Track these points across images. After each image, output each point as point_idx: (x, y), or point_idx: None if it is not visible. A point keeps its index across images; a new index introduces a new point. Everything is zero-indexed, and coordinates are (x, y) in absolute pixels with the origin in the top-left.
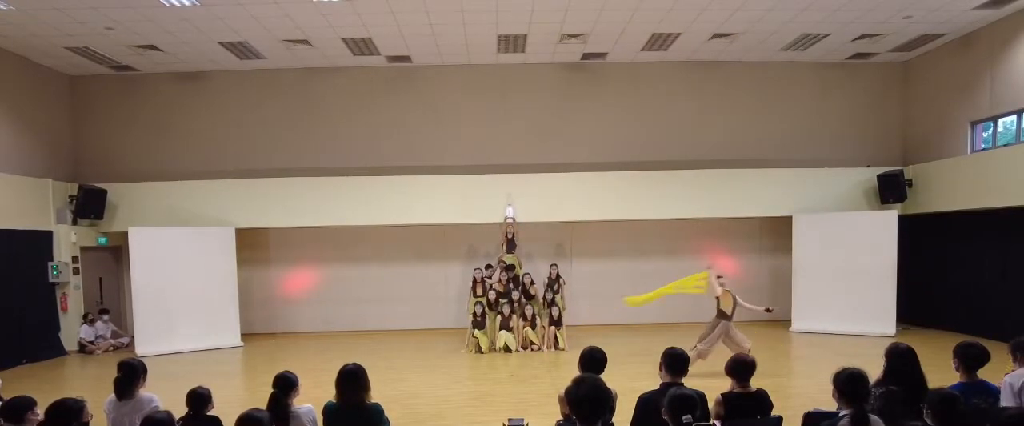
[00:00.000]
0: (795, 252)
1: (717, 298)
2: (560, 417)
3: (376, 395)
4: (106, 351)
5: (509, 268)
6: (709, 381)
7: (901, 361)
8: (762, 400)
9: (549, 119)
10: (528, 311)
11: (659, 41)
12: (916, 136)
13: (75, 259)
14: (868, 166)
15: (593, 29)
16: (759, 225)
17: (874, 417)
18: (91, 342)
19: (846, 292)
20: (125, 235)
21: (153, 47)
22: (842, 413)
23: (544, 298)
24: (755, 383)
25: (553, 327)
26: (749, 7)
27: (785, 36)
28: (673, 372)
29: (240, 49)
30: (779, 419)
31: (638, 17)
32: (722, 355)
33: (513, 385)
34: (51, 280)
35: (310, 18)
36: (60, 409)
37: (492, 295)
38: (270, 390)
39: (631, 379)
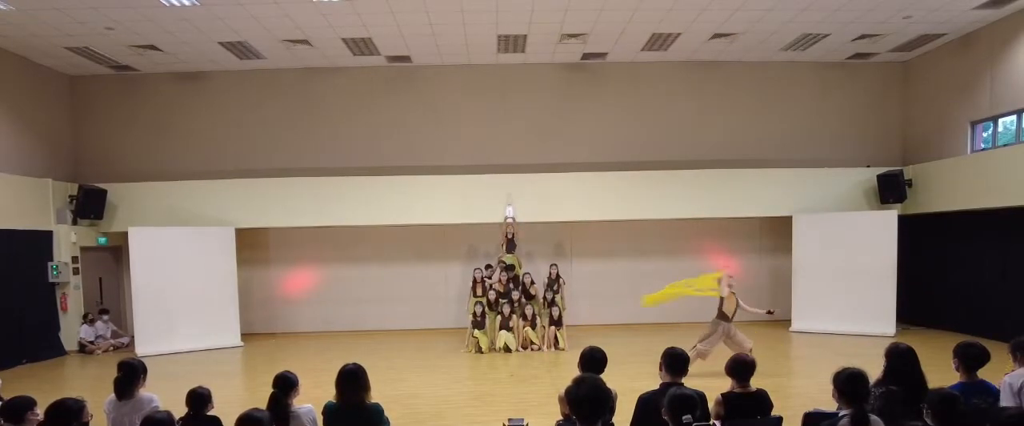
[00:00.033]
0: (795, 252)
1: (721, 298)
2: (560, 417)
3: (376, 395)
4: (106, 351)
5: (509, 268)
6: (709, 381)
7: (901, 361)
8: (762, 400)
9: (549, 119)
10: (528, 311)
11: (659, 41)
12: (916, 136)
13: (75, 259)
14: (868, 166)
15: (593, 29)
16: (759, 225)
17: (874, 417)
18: (91, 342)
19: (846, 292)
20: (125, 235)
21: (153, 47)
22: (842, 413)
23: (544, 298)
24: (755, 383)
25: (553, 327)
26: (749, 7)
27: (785, 36)
28: (673, 372)
29: (240, 49)
30: (779, 419)
31: (638, 17)
32: (722, 355)
33: (513, 385)
34: (51, 280)
35: (310, 18)
36: (60, 409)
37: (492, 295)
38: (270, 390)
39: (631, 379)
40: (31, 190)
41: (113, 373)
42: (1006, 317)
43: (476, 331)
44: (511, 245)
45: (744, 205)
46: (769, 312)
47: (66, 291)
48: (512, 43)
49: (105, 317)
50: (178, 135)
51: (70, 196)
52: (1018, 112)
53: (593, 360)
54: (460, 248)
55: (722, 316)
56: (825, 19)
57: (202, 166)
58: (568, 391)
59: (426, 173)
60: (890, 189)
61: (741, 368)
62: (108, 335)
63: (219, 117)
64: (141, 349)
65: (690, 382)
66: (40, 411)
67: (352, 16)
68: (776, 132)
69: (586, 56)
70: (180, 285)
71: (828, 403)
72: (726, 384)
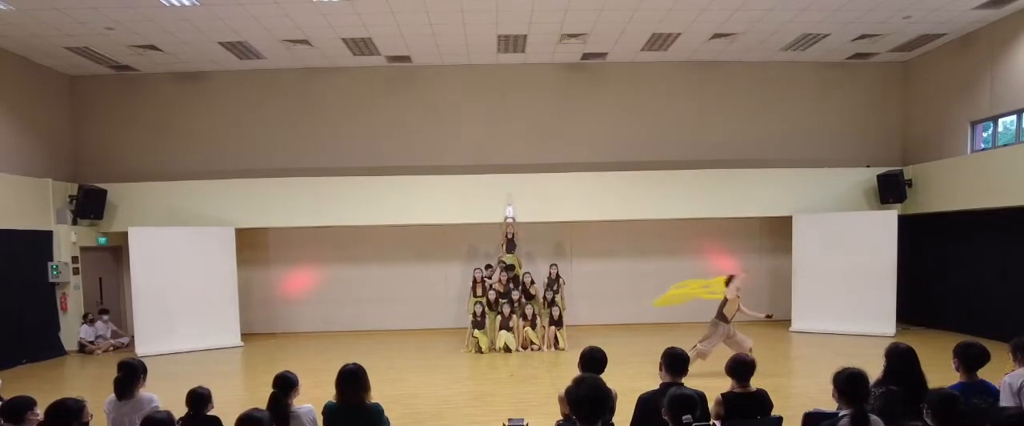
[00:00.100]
0: (795, 252)
1: (725, 299)
2: (560, 417)
3: (376, 395)
4: (106, 351)
5: (509, 268)
6: (709, 381)
7: (901, 361)
8: (762, 400)
9: (549, 119)
10: (528, 311)
11: (659, 41)
12: (916, 136)
13: (75, 259)
14: (868, 166)
15: (593, 29)
16: (759, 225)
17: (874, 417)
18: (91, 342)
19: (846, 292)
20: (125, 235)
21: (153, 47)
22: (842, 413)
23: (544, 298)
24: (755, 383)
25: (553, 327)
26: (749, 7)
27: (785, 36)
28: (673, 372)
29: (240, 49)
30: (779, 419)
31: (638, 17)
32: (722, 355)
33: (513, 385)
34: (51, 280)
35: (310, 18)
36: (60, 409)
37: (492, 295)
38: (270, 390)
39: (631, 379)
40: (31, 190)
41: (113, 373)
42: (1006, 317)
43: (476, 331)
44: (511, 245)
45: (744, 205)
46: (768, 317)
47: (66, 291)
48: (512, 43)
49: (105, 317)
50: (178, 135)
51: (70, 196)
52: (1018, 112)
53: (593, 360)
54: (460, 248)
55: (721, 317)
56: (825, 19)
57: (202, 166)
58: (568, 391)
59: (426, 173)
60: (890, 189)
61: (741, 368)
62: (108, 335)
63: (219, 117)
64: (141, 349)
65: (690, 382)
66: (40, 411)
67: (352, 16)
68: (776, 132)
69: (586, 56)
70: (180, 285)
71: (828, 403)
72: (726, 384)
